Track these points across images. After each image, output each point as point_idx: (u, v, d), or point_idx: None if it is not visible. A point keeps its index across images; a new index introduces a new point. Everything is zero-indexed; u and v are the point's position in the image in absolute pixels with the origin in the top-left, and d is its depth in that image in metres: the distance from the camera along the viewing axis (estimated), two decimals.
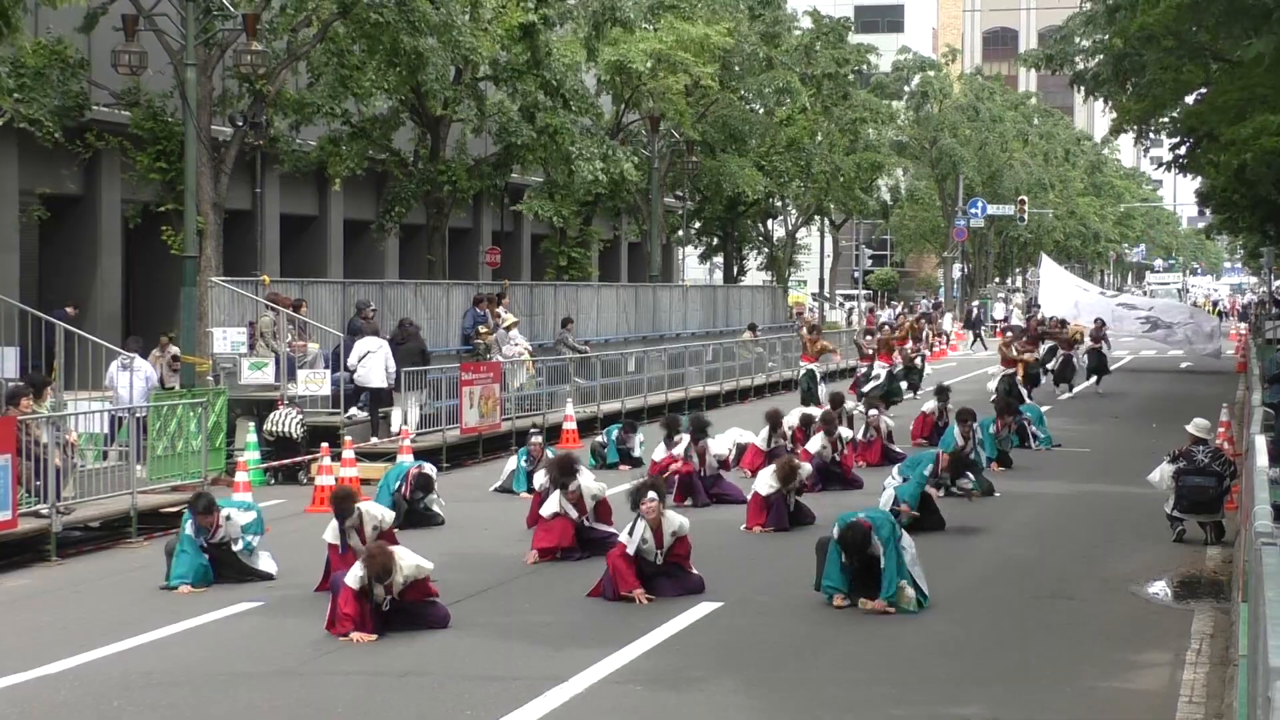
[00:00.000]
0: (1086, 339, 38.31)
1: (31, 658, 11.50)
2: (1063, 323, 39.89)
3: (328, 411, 22.98)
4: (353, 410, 23.31)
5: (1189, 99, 37.90)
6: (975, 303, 70.13)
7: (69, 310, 28.98)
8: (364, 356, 23.10)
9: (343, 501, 13.89)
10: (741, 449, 22.51)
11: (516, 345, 28.01)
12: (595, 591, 13.65)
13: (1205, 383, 41.18)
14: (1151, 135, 46.04)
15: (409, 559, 12.35)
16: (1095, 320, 39.81)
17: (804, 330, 34.62)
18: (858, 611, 12.99)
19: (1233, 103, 30.08)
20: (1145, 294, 77.69)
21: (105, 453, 18.76)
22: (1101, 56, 38.39)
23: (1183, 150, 45.60)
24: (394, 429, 23.18)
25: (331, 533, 13.86)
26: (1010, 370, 31.79)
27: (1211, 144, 36.64)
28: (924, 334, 36.00)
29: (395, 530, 14.51)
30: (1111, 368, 38.65)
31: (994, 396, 28.69)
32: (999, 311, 71.83)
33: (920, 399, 31.22)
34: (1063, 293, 46.35)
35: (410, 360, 24.04)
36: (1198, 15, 27.79)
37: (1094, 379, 37.75)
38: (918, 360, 36.30)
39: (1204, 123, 34.16)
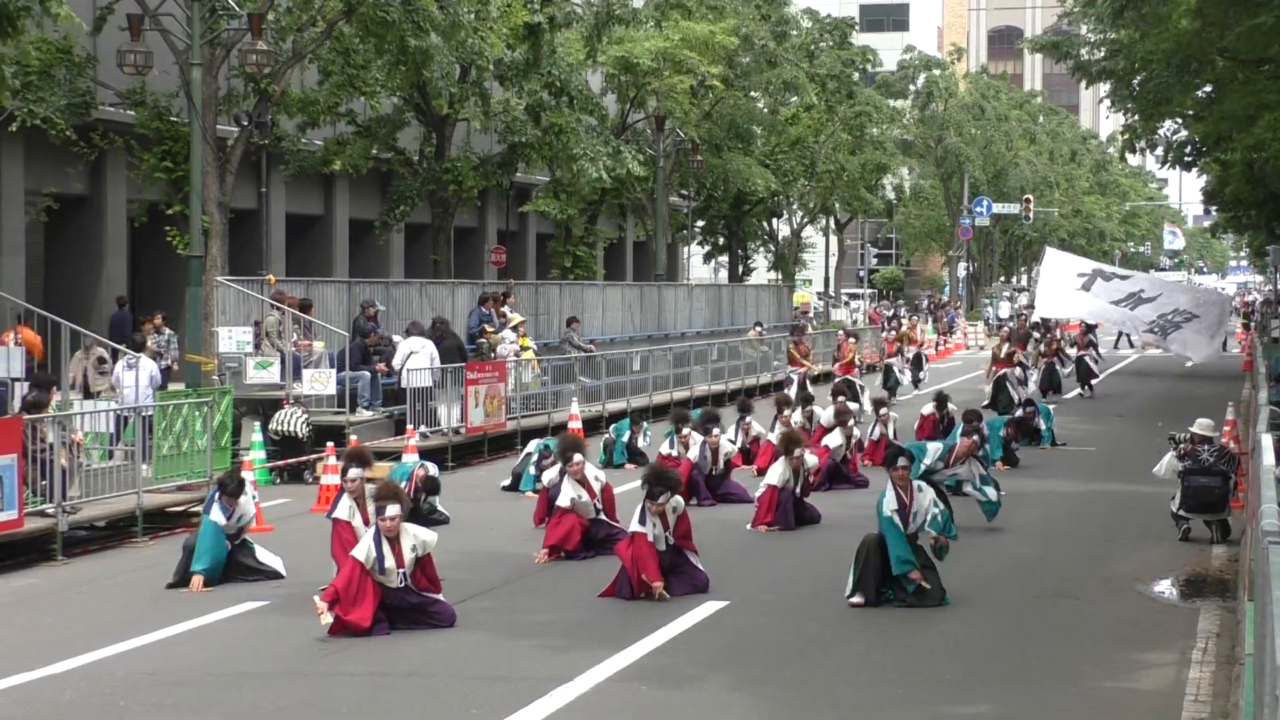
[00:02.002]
0: (1071, 347, 37.86)
1: (37, 657, 11.51)
2: (1046, 328, 38.95)
3: (333, 411, 23.00)
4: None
5: (1197, 93, 37.80)
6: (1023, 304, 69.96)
7: (121, 307, 29.61)
8: (409, 356, 23.47)
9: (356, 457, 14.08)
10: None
11: (507, 344, 27.97)
12: (609, 591, 13.59)
13: (1211, 382, 41.09)
14: (1159, 133, 45.75)
15: (414, 527, 12.62)
16: (1082, 327, 39.05)
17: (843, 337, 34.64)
18: (863, 611, 13.00)
19: (1241, 110, 30.09)
20: None
21: (111, 452, 18.77)
22: (1104, 51, 38.30)
23: (1188, 149, 45.46)
24: (444, 425, 23.58)
25: (344, 509, 13.78)
26: (1002, 371, 31.69)
27: (1220, 141, 36.56)
28: (858, 359, 35.38)
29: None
30: (1100, 374, 38.24)
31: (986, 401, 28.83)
32: (1004, 310, 71.59)
33: (917, 400, 31.27)
34: (1064, 295, 44.59)
35: (449, 358, 24.25)
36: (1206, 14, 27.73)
37: (1084, 386, 37.31)
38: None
39: (1213, 131, 34.09)
